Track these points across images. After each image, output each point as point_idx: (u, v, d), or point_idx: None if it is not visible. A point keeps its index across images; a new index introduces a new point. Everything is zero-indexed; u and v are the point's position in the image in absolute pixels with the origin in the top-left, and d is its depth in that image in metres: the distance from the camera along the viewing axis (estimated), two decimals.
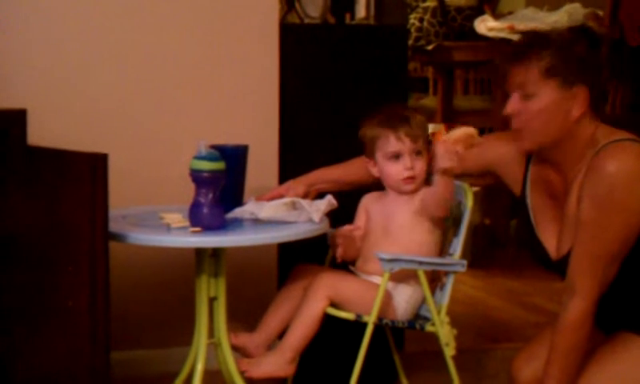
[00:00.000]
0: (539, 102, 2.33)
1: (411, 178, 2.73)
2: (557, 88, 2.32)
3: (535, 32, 2.45)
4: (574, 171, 2.36)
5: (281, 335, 2.74)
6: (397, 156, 2.74)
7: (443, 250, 2.80)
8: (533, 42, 2.37)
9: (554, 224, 2.46)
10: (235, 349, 2.74)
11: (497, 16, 5.28)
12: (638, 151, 2.27)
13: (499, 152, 2.61)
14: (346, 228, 2.80)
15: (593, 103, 2.34)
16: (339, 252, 2.80)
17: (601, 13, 4.98)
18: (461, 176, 2.76)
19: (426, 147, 2.76)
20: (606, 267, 2.27)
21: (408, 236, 2.75)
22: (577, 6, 5.05)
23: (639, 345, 2.33)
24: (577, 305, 2.27)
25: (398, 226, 2.77)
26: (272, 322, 2.77)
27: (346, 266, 2.85)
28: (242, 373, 2.67)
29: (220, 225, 2.54)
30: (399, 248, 2.71)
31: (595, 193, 2.25)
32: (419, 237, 2.75)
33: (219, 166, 2.52)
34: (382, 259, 2.62)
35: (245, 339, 2.76)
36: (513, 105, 2.37)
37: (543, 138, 2.37)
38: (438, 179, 2.65)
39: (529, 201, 2.53)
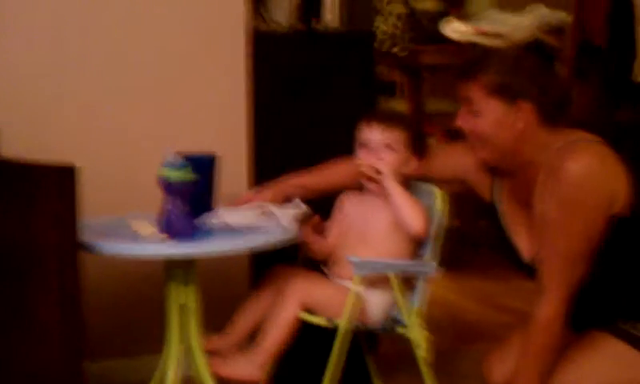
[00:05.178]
0: (485, 118, 2.39)
1: (372, 168, 2.74)
2: (500, 105, 2.36)
3: (484, 49, 2.50)
4: (536, 175, 2.39)
5: (251, 336, 2.73)
6: (366, 144, 2.76)
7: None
8: (478, 60, 2.41)
9: (525, 226, 2.48)
10: (210, 354, 2.73)
11: (463, 18, 5.29)
12: (595, 150, 2.30)
13: (466, 161, 2.62)
14: (308, 228, 2.80)
15: (545, 114, 2.37)
16: (315, 251, 2.80)
17: (568, 16, 5.00)
18: (429, 183, 2.79)
19: (401, 148, 2.76)
20: (573, 266, 2.28)
21: (383, 244, 2.76)
22: (540, 5, 5.07)
23: (611, 343, 2.35)
24: (547, 304, 2.28)
25: (374, 233, 2.78)
26: (242, 322, 2.78)
27: (320, 267, 2.85)
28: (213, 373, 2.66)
29: (190, 232, 2.53)
30: (375, 255, 2.72)
31: (556, 193, 2.27)
32: (396, 245, 2.76)
33: (187, 174, 2.51)
34: (353, 263, 2.62)
35: (217, 342, 2.76)
36: (461, 119, 2.44)
37: (495, 151, 2.42)
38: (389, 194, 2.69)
39: (499, 206, 2.55)
